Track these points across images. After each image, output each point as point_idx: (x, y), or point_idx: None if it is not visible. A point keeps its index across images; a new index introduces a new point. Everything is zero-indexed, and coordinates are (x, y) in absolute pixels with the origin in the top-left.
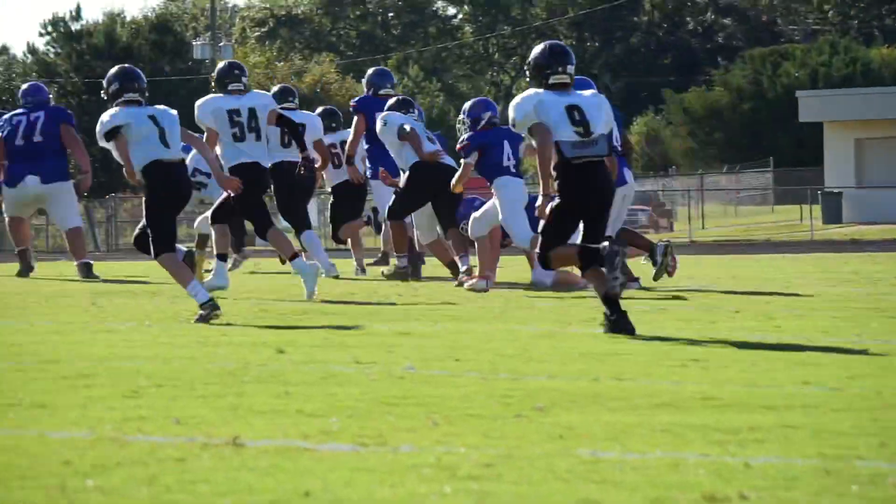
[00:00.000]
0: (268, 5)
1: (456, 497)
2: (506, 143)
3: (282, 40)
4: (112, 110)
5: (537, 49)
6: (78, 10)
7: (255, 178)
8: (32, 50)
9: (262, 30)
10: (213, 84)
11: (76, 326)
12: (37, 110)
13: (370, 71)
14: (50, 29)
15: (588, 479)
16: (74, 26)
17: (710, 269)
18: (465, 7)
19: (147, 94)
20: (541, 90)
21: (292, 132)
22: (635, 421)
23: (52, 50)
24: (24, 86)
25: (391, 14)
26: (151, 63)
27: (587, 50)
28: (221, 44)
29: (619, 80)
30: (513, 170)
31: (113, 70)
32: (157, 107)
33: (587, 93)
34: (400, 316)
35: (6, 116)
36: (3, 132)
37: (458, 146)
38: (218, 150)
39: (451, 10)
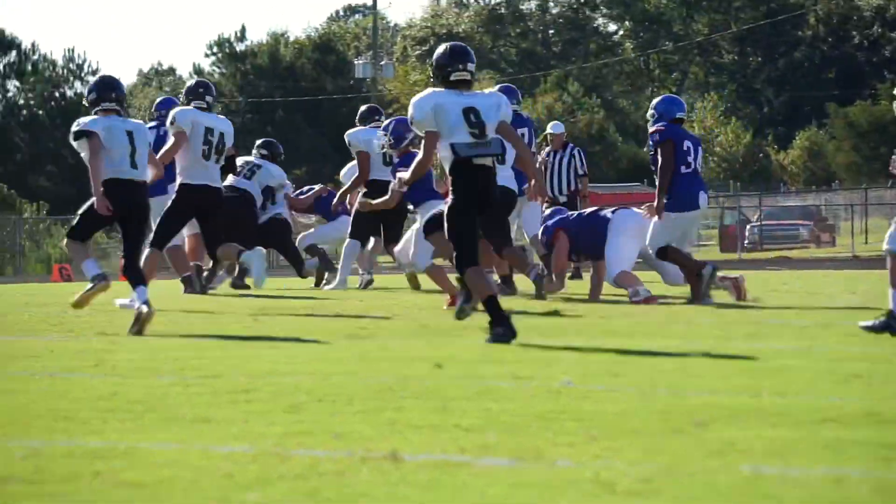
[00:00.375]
0: (429, 24)
1: None
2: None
3: None
4: (92, 116)
5: (439, 50)
6: (243, 30)
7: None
8: (198, 70)
9: (424, 48)
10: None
11: (238, 342)
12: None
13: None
14: (215, 49)
15: (749, 495)
16: (239, 47)
17: (873, 284)
18: (627, 23)
19: (125, 104)
20: (441, 89)
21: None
22: (798, 436)
23: (217, 70)
24: (158, 99)
25: (552, 31)
26: (313, 82)
27: (750, 65)
28: (383, 62)
29: (782, 94)
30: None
31: (93, 80)
32: (136, 122)
33: (486, 91)
34: (558, 331)
35: None
36: None
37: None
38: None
39: (612, 27)
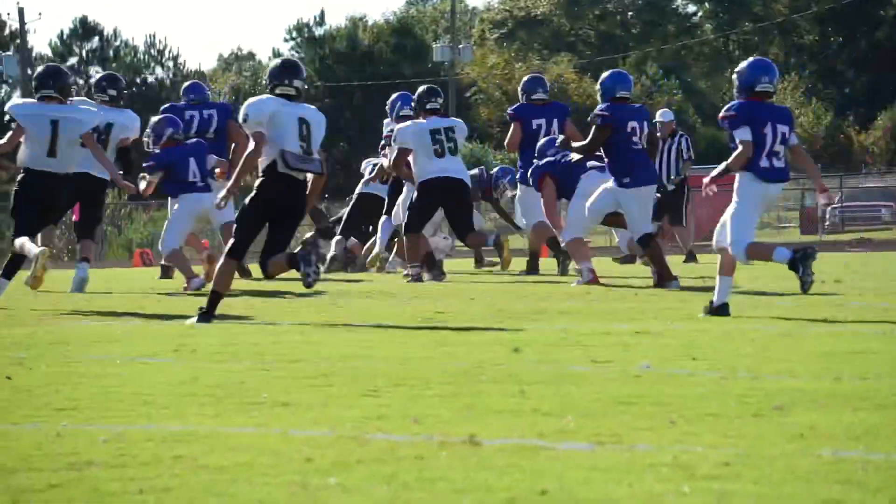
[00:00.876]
0: (507, 7)
1: (695, 497)
2: (191, 159)
3: (520, 41)
4: (27, 100)
5: (274, 61)
6: (322, 15)
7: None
8: (277, 55)
9: (502, 31)
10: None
11: (316, 327)
12: (208, 107)
13: (525, 78)
14: (294, 34)
15: (830, 479)
16: (318, 31)
17: None
18: (706, 4)
19: (70, 93)
20: (276, 98)
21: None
22: (879, 421)
23: (296, 55)
24: (186, 84)
25: (630, 13)
26: (391, 66)
27: (831, 45)
28: (461, 46)
29: (863, 75)
30: (199, 184)
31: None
32: (69, 111)
33: (311, 107)
34: (636, 314)
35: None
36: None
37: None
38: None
39: (692, 8)
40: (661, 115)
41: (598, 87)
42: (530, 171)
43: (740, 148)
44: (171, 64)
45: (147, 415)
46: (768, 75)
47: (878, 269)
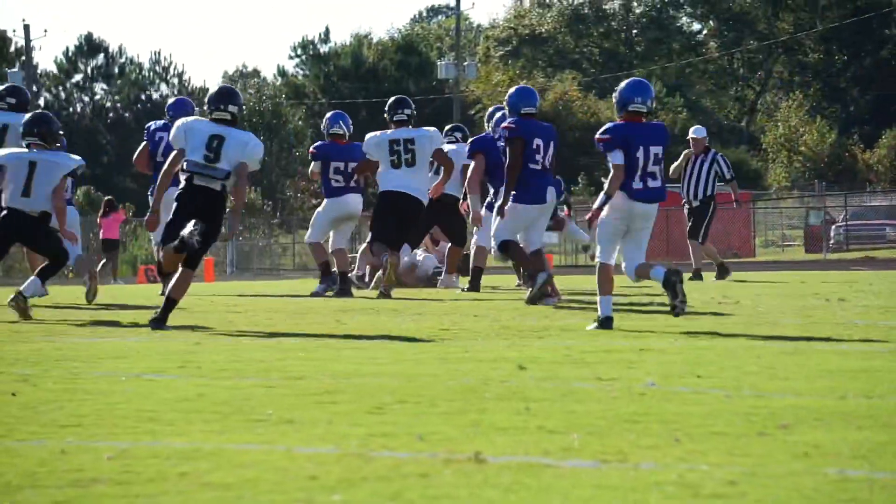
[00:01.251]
0: (512, 25)
1: None
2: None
3: (525, 58)
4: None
5: (213, 89)
6: (327, 32)
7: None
8: (282, 72)
9: (506, 48)
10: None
11: (321, 343)
12: None
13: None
14: (299, 51)
15: (836, 498)
16: (323, 48)
17: None
18: (711, 22)
19: (55, 138)
20: (202, 119)
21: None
22: (885, 439)
23: (301, 72)
24: (171, 100)
25: (635, 31)
26: (396, 83)
27: (835, 63)
28: (466, 63)
29: (867, 93)
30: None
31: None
32: (47, 153)
33: (240, 131)
34: (640, 332)
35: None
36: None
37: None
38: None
39: (696, 26)
40: (694, 131)
41: (505, 101)
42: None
43: (612, 172)
44: (175, 81)
45: (152, 431)
46: (642, 95)
47: (883, 288)
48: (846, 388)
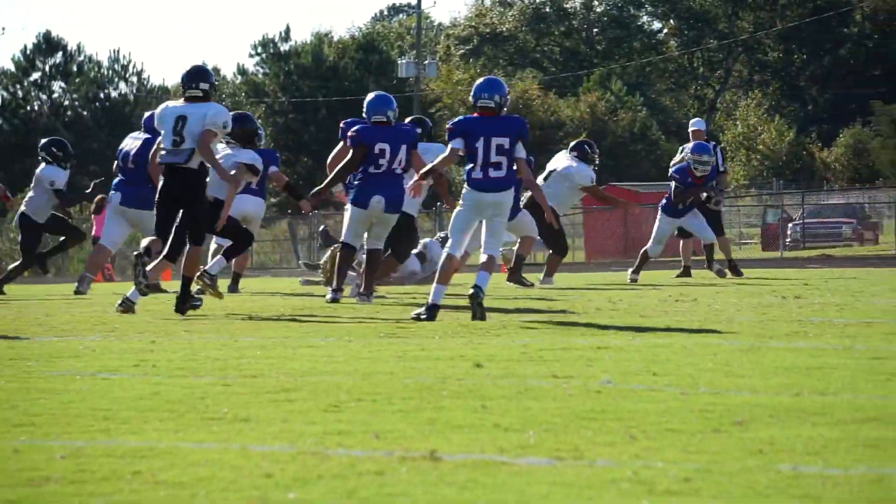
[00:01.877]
0: (473, 23)
1: None
2: None
3: (486, 57)
4: None
5: (185, 69)
6: (287, 30)
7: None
8: (242, 71)
9: (467, 47)
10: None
11: (277, 342)
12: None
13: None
14: (259, 50)
15: (789, 494)
16: (283, 47)
17: None
18: (671, 21)
19: None
20: (173, 102)
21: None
22: (838, 436)
23: (261, 70)
24: (147, 113)
25: (595, 30)
26: (357, 81)
27: (794, 62)
28: (426, 62)
29: (826, 92)
30: None
31: None
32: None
33: (205, 104)
34: (597, 330)
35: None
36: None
37: None
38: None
39: (657, 25)
40: (694, 123)
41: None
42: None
43: (447, 152)
44: (134, 79)
45: (106, 430)
46: (489, 91)
47: (839, 286)
48: (801, 385)
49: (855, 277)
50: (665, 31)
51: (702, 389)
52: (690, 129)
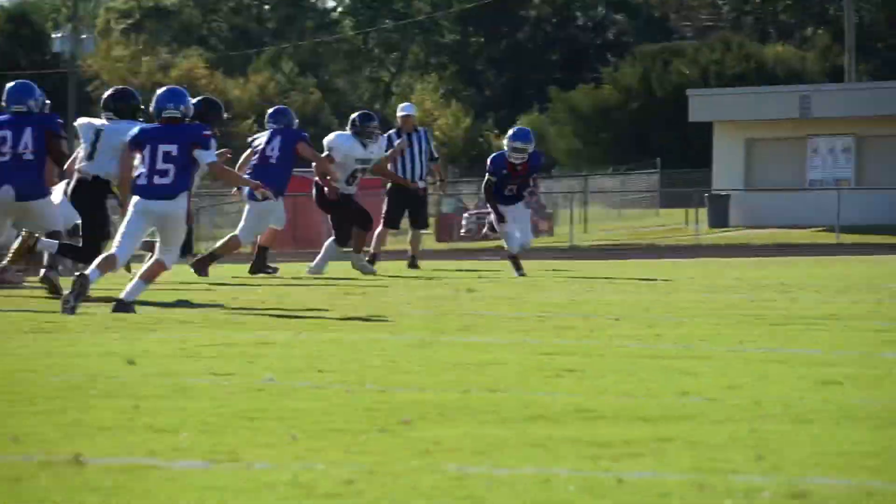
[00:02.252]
0: None
1: None
2: None
3: (149, 33)
4: None
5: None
6: None
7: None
8: None
9: (128, 22)
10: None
11: None
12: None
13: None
14: None
15: (453, 495)
16: None
17: (590, 274)
18: (346, 0)
19: None
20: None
21: None
22: (506, 434)
23: None
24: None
25: (267, 6)
26: (7, 56)
27: (471, 45)
28: (83, 36)
29: (503, 76)
30: None
31: None
32: None
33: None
34: (261, 325)
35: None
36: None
37: None
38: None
39: (331, 3)
40: (404, 108)
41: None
42: None
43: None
44: None
45: None
46: (173, 102)
47: (512, 279)
48: (470, 381)
49: (530, 269)
50: (339, 9)
51: (369, 386)
52: (400, 115)
